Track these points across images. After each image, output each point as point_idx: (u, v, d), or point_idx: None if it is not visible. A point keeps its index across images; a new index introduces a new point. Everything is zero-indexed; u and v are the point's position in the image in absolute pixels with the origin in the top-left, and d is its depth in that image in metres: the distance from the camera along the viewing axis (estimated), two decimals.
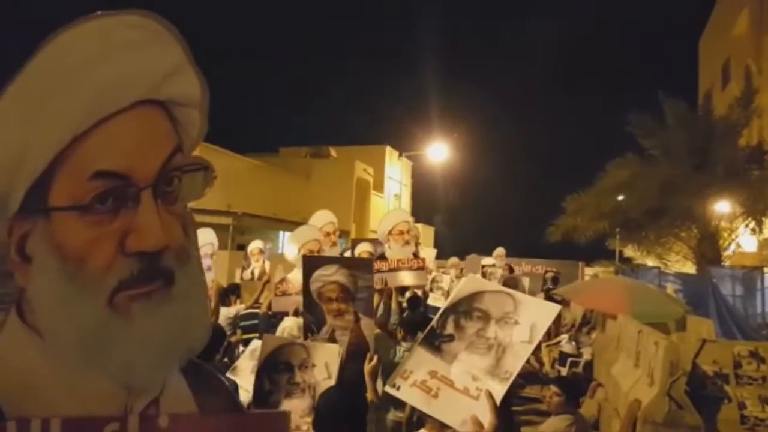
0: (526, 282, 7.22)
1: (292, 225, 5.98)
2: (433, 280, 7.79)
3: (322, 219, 5.68)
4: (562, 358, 8.04)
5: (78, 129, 0.90)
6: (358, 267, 3.29)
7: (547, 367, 8.72)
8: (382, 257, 5.45)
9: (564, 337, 8.39)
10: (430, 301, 7.20)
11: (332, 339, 3.02)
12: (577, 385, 4.38)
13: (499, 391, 1.65)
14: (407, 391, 1.75)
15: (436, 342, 1.81)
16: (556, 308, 1.93)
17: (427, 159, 29.16)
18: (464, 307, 1.86)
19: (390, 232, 5.61)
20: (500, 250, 11.07)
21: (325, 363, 2.68)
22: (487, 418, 1.54)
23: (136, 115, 0.94)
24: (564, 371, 7.94)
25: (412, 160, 31.95)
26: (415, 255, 5.54)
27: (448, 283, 7.62)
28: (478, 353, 1.74)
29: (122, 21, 0.94)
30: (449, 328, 1.83)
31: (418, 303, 5.85)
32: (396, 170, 30.72)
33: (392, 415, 4.61)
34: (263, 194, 20.64)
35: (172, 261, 0.96)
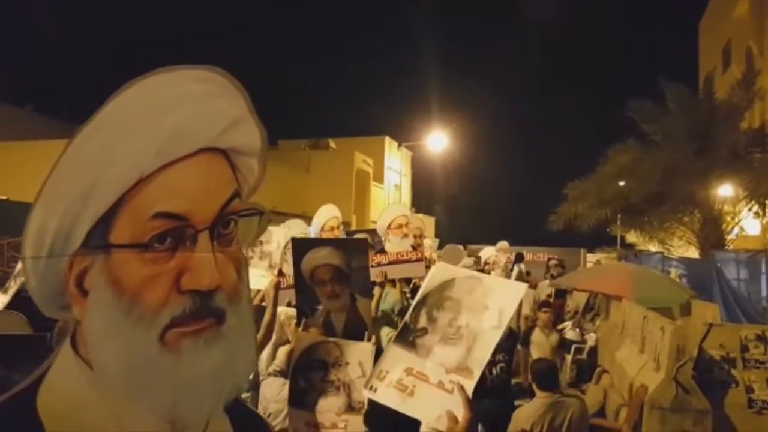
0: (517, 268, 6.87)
1: (292, 218, 5.98)
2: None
3: (326, 214, 5.75)
4: (566, 344, 7.99)
5: (144, 172, 0.95)
6: (351, 247, 3.23)
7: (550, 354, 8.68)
8: (382, 251, 5.49)
9: (567, 323, 8.35)
10: None
11: (327, 322, 2.97)
12: (549, 367, 4.36)
13: (469, 382, 1.59)
14: (383, 392, 1.68)
15: (410, 337, 1.74)
16: (522, 287, 1.85)
17: (427, 149, 29.10)
18: (435, 298, 1.79)
19: (389, 226, 5.67)
20: (503, 244, 10.90)
21: (359, 361, 2.65)
22: (460, 412, 1.48)
23: (199, 162, 1.00)
24: (568, 358, 7.90)
25: (412, 151, 31.86)
26: (414, 248, 5.61)
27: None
28: (450, 344, 1.69)
29: (191, 74, 1.01)
30: (422, 322, 1.76)
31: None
32: (396, 161, 30.63)
33: None
34: (263, 187, 20.48)
35: (224, 300, 1.00)
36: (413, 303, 1.85)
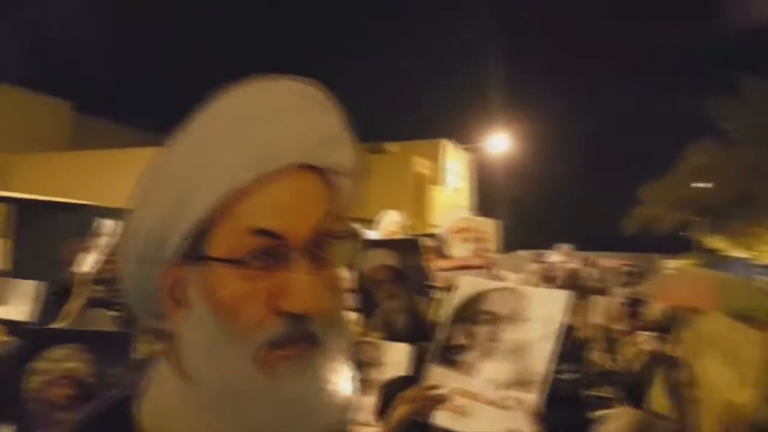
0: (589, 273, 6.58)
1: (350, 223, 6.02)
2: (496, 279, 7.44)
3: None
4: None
5: (237, 185, 0.93)
6: (406, 247, 3.23)
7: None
8: (443, 256, 5.42)
9: (644, 334, 7.96)
10: None
11: (387, 322, 2.96)
12: (637, 382, 4.09)
13: (531, 396, 1.55)
14: (432, 414, 1.63)
15: (448, 356, 1.69)
16: (563, 295, 1.76)
17: (488, 150, 28.68)
18: (470, 312, 1.73)
19: (451, 231, 5.59)
20: (567, 247, 10.49)
21: (396, 362, 2.63)
22: (526, 429, 1.45)
23: (295, 178, 0.97)
24: None
25: (472, 152, 31.49)
26: (477, 253, 5.50)
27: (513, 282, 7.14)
28: (496, 360, 1.62)
29: (288, 86, 1.00)
30: (458, 338, 1.70)
31: None
32: (455, 163, 30.38)
33: None
34: None
35: (320, 325, 0.96)
36: (444, 320, 1.77)
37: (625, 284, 9.32)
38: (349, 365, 1.06)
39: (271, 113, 0.98)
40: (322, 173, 1.02)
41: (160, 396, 0.99)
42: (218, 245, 0.94)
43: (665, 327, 8.60)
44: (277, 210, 0.95)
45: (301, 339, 0.94)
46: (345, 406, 1.01)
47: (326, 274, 0.99)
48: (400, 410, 1.44)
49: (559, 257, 9.92)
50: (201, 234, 0.95)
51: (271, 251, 0.94)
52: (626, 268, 10.48)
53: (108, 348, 1.95)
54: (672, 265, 17.34)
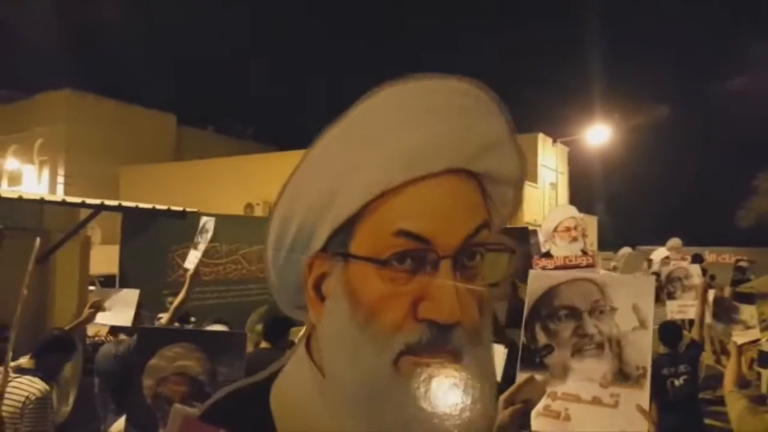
0: (695, 270, 5.98)
1: None
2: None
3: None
4: (763, 358, 7.01)
5: (388, 185, 0.92)
6: (513, 235, 3.23)
7: (744, 368, 7.67)
8: (548, 255, 5.20)
9: (765, 334, 7.31)
10: None
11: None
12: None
13: (636, 391, 1.44)
14: (533, 423, 1.52)
15: (535, 359, 1.61)
16: (649, 280, 1.63)
17: (586, 143, 27.48)
18: (546, 310, 1.64)
19: (555, 229, 5.35)
20: (675, 241, 9.70)
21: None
22: (638, 428, 1.36)
23: (448, 182, 0.94)
24: (765, 373, 6.93)
25: (569, 146, 30.28)
26: (584, 252, 5.22)
27: None
28: (589, 356, 1.54)
29: (447, 85, 0.96)
30: (541, 339, 1.62)
31: None
32: (550, 158, 29.32)
33: None
34: None
35: (463, 338, 0.93)
36: (524, 322, 1.69)
37: (739, 280, 8.62)
38: (491, 382, 1.01)
39: (431, 113, 0.93)
40: (479, 180, 0.97)
41: (294, 384, 1.00)
42: (363, 243, 0.94)
43: None
44: (426, 213, 0.92)
45: (442, 349, 0.91)
46: (481, 424, 0.95)
47: (475, 287, 0.95)
48: (498, 418, 1.39)
49: (664, 253, 9.31)
50: (348, 230, 0.94)
51: (416, 255, 0.92)
52: (741, 263, 9.67)
53: (220, 348, 2.03)
54: None
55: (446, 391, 0.90)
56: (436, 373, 0.90)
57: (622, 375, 1.50)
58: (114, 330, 4.76)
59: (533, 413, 1.53)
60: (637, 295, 1.58)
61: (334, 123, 0.95)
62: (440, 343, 0.91)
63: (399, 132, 0.92)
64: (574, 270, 1.75)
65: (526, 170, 1.04)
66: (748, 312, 4.47)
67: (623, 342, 1.53)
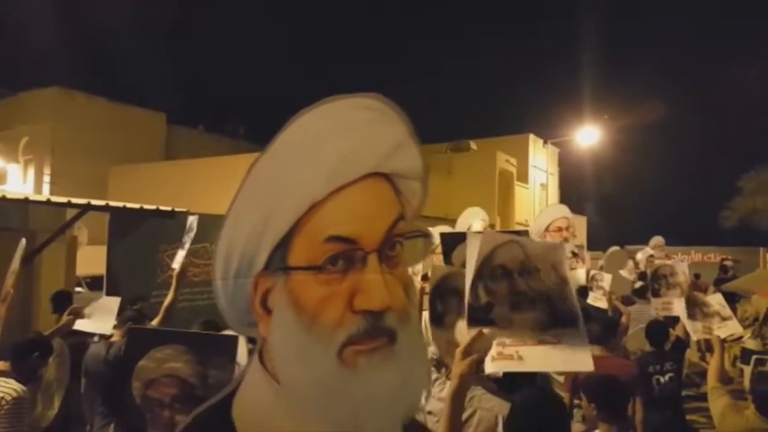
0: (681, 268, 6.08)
1: (434, 221, 6.00)
2: (593, 279, 7.03)
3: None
4: (746, 355, 7.11)
5: (316, 198, 1.03)
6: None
7: (727, 366, 7.77)
8: None
9: (746, 332, 7.41)
10: (590, 300, 6.55)
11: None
12: None
13: (576, 332, 1.67)
14: (493, 366, 1.72)
15: (480, 316, 1.76)
16: (559, 245, 1.89)
17: (576, 145, 27.65)
18: (486, 270, 1.79)
19: (547, 229, 5.38)
20: (658, 240, 9.75)
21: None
22: (581, 357, 1.60)
23: (366, 186, 1.06)
24: (747, 369, 7.04)
25: (559, 147, 30.46)
26: (574, 254, 5.23)
27: (608, 282, 6.50)
28: (526, 310, 1.72)
29: (355, 102, 1.08)
30: (483, 297, 1.77)
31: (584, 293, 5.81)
32: (541, 159, 29.49)
33: None
34: None
35: (395, 320, 1.05)
36: (468, 282, 1.83)
37: (722, 279, 8.72)
38: (426, 359, 1.15)
39: (341, 130, 1.06)
40: (391, 179, 1.11)
41: (253, 395, 1.07)
42: (299, 255, 1.04)
43: (764, 322, 7.95)
44: (350, 217, 1.04)
45: (378, 334, 1.02)
46: (422, 393, 1.10)
47: (398, 273, 1.08)
48: (457, 368, 1.51)
49: (649, 252, 9.38)
50: (285, 246, 1.04)
51: (346, 255, 1.03)
52: (726, 262, 9.79)
53: (211, 350, 2.03)
54: None
55: (387, 368, 1.01)
56: (376, 355, 1.01)
57: (558, 321, 1.69)
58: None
59: (489, 359, 1.71)
60: (554, 259, 1.79)
61: (259, 156, 1.05)
62: (376, 328, 1.02)
63: (319, 150, 1.03)
64: (507, 234, 2.01)
65: (427, 165, 1.18)
66: (715, 300, 4.52)
67: (551, 295, 1.72)
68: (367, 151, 1.07)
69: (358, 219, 1.05)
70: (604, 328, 4.22)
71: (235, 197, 1.07)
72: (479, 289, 1.79)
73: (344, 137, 1.06)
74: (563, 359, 1.62)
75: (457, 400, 1.49)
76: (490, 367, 1.70)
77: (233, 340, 2.08)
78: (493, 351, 1.71)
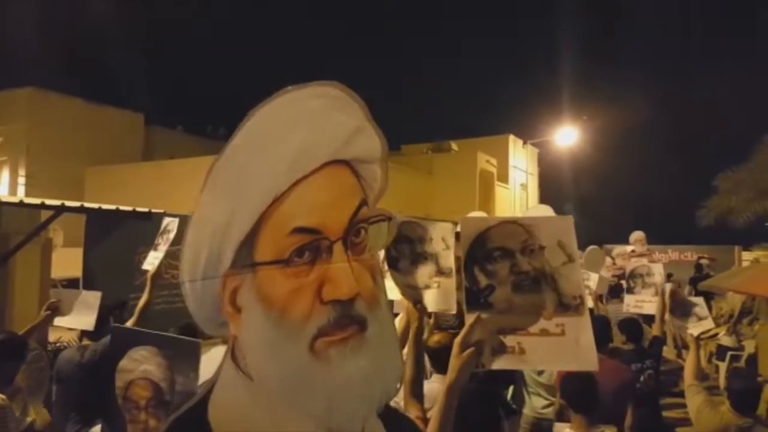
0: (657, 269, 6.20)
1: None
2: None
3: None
4: (721, 351, 7.26)
5: (277, 192, 1.02)
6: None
7: (703, 362, 7.92)
8: None
9: (722, 329, 7.57)
10: None
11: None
12: (751, 389, 3.64)
13: (581, 319, 1.57)
14: (493, 361, 1.62)
15: (480, 300, 1.65)
16: (567, 219, 1.75)
17: (555, 145, 27.95)
18: (480, 252, 1.71)
19: None
20: (639, 234, 9.77)
21: (441, 237, 2.73)
22: (585, 349, 1.52)
23: (326, 175, 1.05)
24: (723, 366, 7.18)
25: (538, 148, 30.76)
26: None
27: (595, 282, 6.52)
28: (529, 290, 1.63)
29: (309, 92, 1.07)
30: (482, 280, 1.67)
31: None
32: (521, 159, 29.75)
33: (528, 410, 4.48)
34: (387, 192, 20.85)
35: (364, 308, 1.04)
36: (463, 267, 1.74)
37: (697, 277, 8.88)
38: (396, 344, 1.14)
39: (298, 120, 1.04)
40: (351, 165, 1.09)
41: (227, 395, 1.06)
42: (266, 249, 1.02)
43: (739, 319, 8.12)
44: (314, 207, 1.03)
45: (349, 323, 1.01)
46: (395, 379, 1.10)
47: (365, 259, 1.07)
48: (455, 362, 1.47)
49: (627, 249, 9.47)
50: (250, 242, 1.03)
51: (312, 246, 1.02)
52: (702, 261, 9.97)
53: (177, 354, 1.95)
54: (749, 257, 16.37)
55: (360, 356, 1.00)
56: (348, 345, 1.00)
57: (562, 306, 1.60)
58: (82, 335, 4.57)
59: (489, 354, 1.62)
60: (561, 234, 1.69)
61: (219, 154, 1.04)
62: (346, 317, 1.01)
63: (277, 143, 1.02)
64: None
65: (386, 148, 1.14)
66: (697, 301, 4.63)
67: (556, 276, 1.63)
68: (326, 139, 1.06)
69: (321, 208, 1.04)
70: (598, 330, 4.20)
71: (198, 200, 1.06)
72: (476, 271, 1.71)
73: (302, 127, 1.04)
74: (566, 357, 1.56)
75: (453, 394, 1.46)
76: (490, 362, 1.63)
77: (195, 346, 1.99)
78: (493, 342, 1.63)
